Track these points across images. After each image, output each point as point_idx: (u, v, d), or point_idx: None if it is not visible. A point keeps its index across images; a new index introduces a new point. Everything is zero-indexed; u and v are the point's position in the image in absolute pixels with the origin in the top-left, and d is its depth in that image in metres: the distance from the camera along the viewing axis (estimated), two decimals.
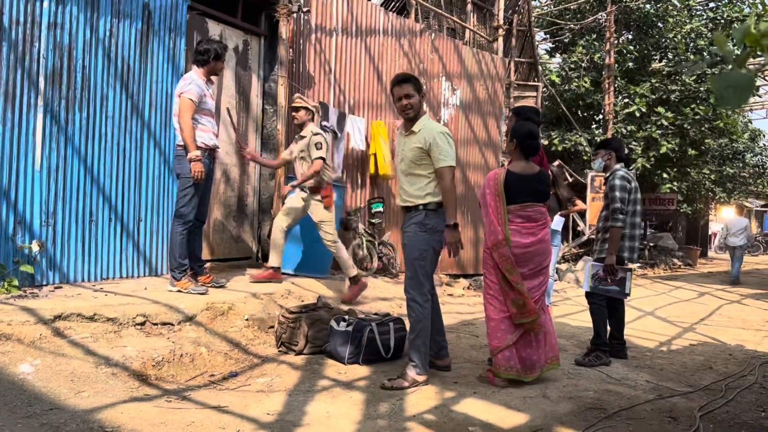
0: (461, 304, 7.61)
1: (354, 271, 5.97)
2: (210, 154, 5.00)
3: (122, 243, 5.35)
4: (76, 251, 4.97)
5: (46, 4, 4.75)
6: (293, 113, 5.89)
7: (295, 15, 6.87)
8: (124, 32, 5.31)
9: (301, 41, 7.29)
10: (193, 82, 4.83)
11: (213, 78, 5.15)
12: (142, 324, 4.22)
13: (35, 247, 4.63)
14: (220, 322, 4.66)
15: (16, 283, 4.40)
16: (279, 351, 4.58)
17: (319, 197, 5.80)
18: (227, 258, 6.78)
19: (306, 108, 5.82)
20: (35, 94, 4.71)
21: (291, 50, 6.88)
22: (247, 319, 4.81)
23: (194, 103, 4.79)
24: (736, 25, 17.04)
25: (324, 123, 7.39)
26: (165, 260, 5.74)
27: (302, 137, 5.82)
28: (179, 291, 4.83)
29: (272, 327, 4.85)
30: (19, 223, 4.62)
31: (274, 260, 5.77)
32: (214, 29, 6.46)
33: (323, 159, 5.68)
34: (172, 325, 4.35)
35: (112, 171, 5.26)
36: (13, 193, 4.57)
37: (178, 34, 5.80)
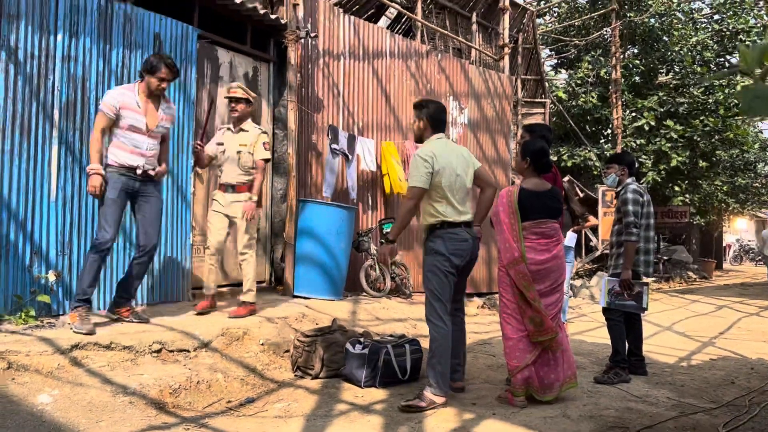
0: (476, 324, 7.56)
1: (204, 290, 5.42)
2: (127, 173, 4.44)
3: None
4: (106, 281, 4.99)
5: (60, 37, 4.84)
6: (233, 104, 5.29)
7: (303, 40, 6.95)
8: (136, 62, 5.39)
9: (310, 66, 7.37)
10: (108, 93, 4.48)
11: (163, 97, 4.64)
12: (159, 351, 4.23)
13: (51, 277, 4.66)
14: (236, 348, 4.65)
15: (33, 313, 4.43)
16: (295, 375, 4.56)
17: (247, 196, 5.24)
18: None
19: (247, 100, 5.31)
20: (50, 126, 4.78)
21: (300, 75, 6.95)
22: (262, 344, 4.80)
23: (105, 114, 4.34)
24: (741, 36, 17.07)
25: (334, 146, 7.43)
26: (180, 286, 5.76)
27: (243, 130, 5.29)
28: (69, 325, 4.24)
29: (288, 351, 4.84)
30: (35, 254, 4.66)
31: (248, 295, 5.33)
32: (224, 57, 6.55)
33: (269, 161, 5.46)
34: (189, 351, 4.35)
35: None
36: (29, 224, 4.62)
37: (188, 63, 5.89)
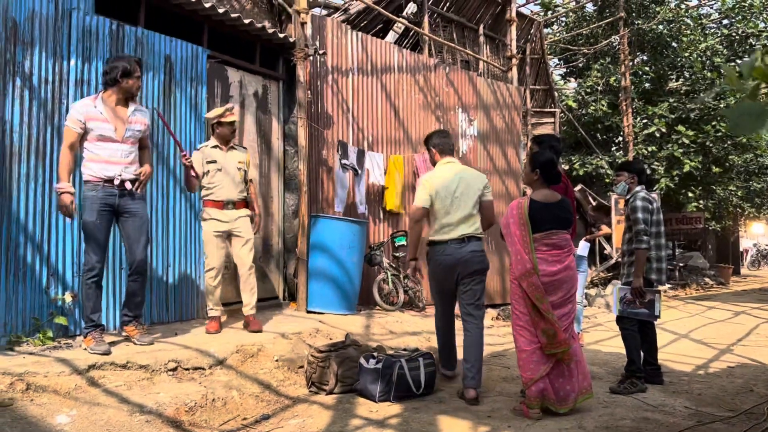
0: (490, 335, 7.53)
1: (211, 311, 5.34)
2: (108, 185, 4.34)
3: (152, 288, 5.43)
4: (108, 300, 5.05)
5: (73, 62, 4.95)
6: (227, 128, 5.26)
7: (311, 58, 7.03)
8: (147, 84, 5.48)
9: (319, 82, 7.45)
10: (72, 107, 4.32)
11: (134, 102, 4.54)
12: (174, 370, 4.26)
13: (68, 299, 4.73)
14: (251, 365, 4.68)
15: (50, 334, 4.49)
16: (310, 391, 4.58)
17: (248, 212, 5.37)
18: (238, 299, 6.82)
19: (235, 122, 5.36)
20: None
21: (309, 92, 7.02)
22: (276, 360, 4.82)
23: (71, 128, 4.22)
24: (751, 40, 16.99)
25: (344, 161, 7.49)
26: (193, 304, 5.81)
27: (233, 148, 5.33)
28: (84, 349, 4.25)
29: (302, 367, 4.85)
30: (52, 276, 4.73)
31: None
32: (234, 76, 6.64)
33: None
34: (204, 369, 4.39)
35: None
36: (46, 247, 4.70)
37: (199, 83, 5.98)
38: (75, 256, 4.87)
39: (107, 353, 4.17)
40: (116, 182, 4.38)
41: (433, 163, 4.77)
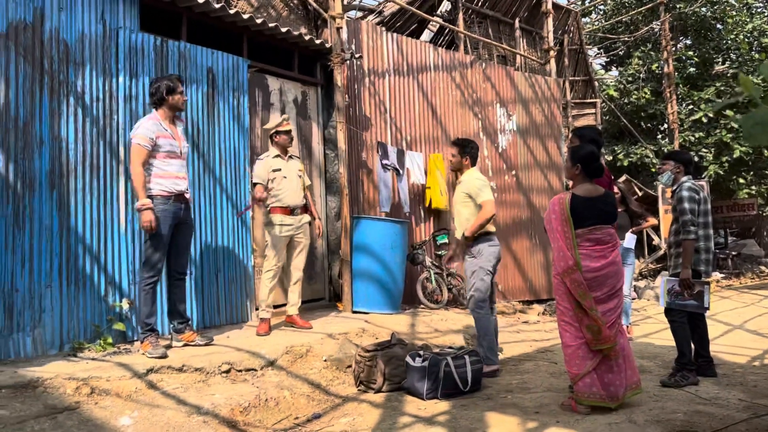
0: (537, 331, 7.50)
1: (263, 313, 5.50)
2: (177, 200, 4.62)
3: (203, 294, 5.62)
4: (162, 305, 5.25)
5: (121, 79, 5.16)
6: (284, 135, 5.58)
7: (348, 62, 7.13)
8: (192, 96, 5.67)
9: (356, 86, 7.54)
10: (140, 126, 4.52)
11: (181, 118, 4.89)
12: (228, 371, 4.41)
13: (125, 305, 4.94)
14: (300, 365, 4.80)
15: (110, 340, 4.71)
16: (358, 390, 4.67)
17: (309, 218, 5.72)
18: (302, 301, 6.96)
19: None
20: (117, 163, 5.08)
21: (347, 95, 7.12)
22: (325, 360, 4.93)
23: (143, 147, 4.45)
24: None
25: (385, 161, 7.56)
26: (243, 308, 5.98)
27: (292, 157, 5.68)
28: (142, 354, 4.41)
29: (350, 366, 4.95)
30: (109, 284, 4.95)
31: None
32: (274, 84, 6.79)
33: None
34: (256, 370, 4.53)
35: None
36: (102, 256, 4.92)
37: (240, 92, 6.14)
38: (130, 264, 5.08)
39: (164, 356, 4.36)
40: (187, 195, 4.74)
41: (458, 168, 5.42)
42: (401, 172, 7.86)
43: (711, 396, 4.18)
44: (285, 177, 5.53)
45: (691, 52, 17.15)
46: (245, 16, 6.11)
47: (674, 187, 4.89)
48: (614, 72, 19.11)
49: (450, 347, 4.95)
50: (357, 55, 7.28)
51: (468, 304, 5.23)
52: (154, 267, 4.56)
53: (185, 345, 4.75)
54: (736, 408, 3.86)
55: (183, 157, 4.75)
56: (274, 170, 5.52)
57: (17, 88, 4.52)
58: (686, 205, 4.66)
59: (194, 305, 5.51)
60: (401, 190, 7.83)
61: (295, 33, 6.67)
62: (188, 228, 4.85)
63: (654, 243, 14.83)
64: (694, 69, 17.10)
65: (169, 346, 4.67)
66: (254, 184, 5.54)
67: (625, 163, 16.17)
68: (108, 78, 5.09)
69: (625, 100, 16.92)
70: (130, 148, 4.53)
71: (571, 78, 13.76)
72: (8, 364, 4.16)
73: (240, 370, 4.47)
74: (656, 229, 13.86)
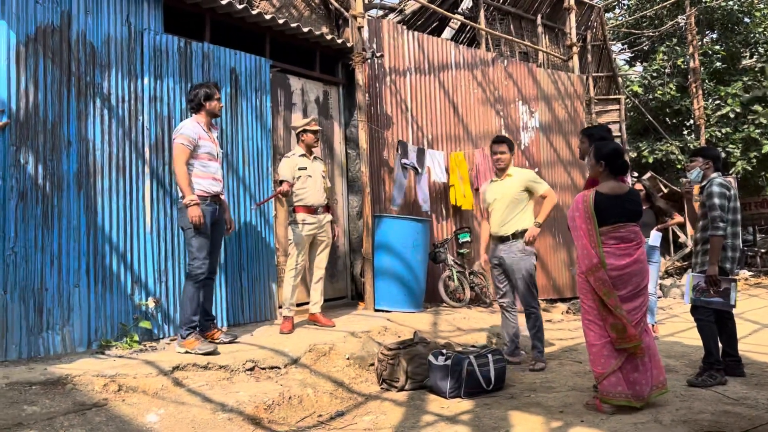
0: (561, 330, 7.44)
1: (287, 311, 5.55)
2: (213, 200, 4.79)
3: (227, 292, 5.67)
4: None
5: (146, 80, 5.23)
6: (312, 135, 5.68)
7: (369, 61, 7.13)
8: None
9: (377, 84, 7.55)
10: (184, 126, 4.70)
11: (214, 122, 5.06)
12: (252, 369, 4.45)
13: (151, 304, 5.02)
14: (323, 363, 4.83)
15: (136, 338, 4.78)
16: (381, 388, 4.68)
17: (330, 218, 5.82)
18: (325, 299, 6.99)
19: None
20: (142, 163, 5.15)
21: (368, 95, 7.13)
22: (348, 358, 4.95)
23: (186, 146, 4.61)
24: None
25: (404, 161, 7.55)
26: (266, 306, 6.03)
27: (317, 158, 5.80)
28: (186, 352, 4.48)
29: (372, 365, 4.96)
30: (135, 282, 5.02)
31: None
32: (296, 84, 6.83)
33: None
34: (279, 368, 4.56)
35: None
36: (128, 255, 5.00)
37: (263, 93, 6.19)
38: (155, 264, 5.15)
39: (215, 353, 4.48)
40: (223, 197, 4.94)
41: (507, 164, 5.47)
42: (420, 171, 7.83)
43: (739, 396, 4.11)
44: (310, 176, 5.60)
45: (717, 47, 16.84)
46: (267, 17, 6.15)
47: (704, 183, 4.82)
48: (638, 68, 18.85)
49: (473, 346, 4.94)
50: (378, 54, 7.28)
51: (530, 299, 5.32)
52: (203, 264, 4.65)
53: (211, 342, 4.75)
54: (765, 408, 3.79)
55: (219, 160, 4.91)
56: (300, 168, 5.59)
57: (46, 90, 4.61)
58: (716, 201, 4.58)
59: (218, 303, 5.57)
60: (420, 189, 7.80)
61: (317, 32, 6.69)
62: (220, 228, 4.95)
63: (680, 241, 14.61)
64: (720, 63, 16.78)
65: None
66: (280, 182, 5.60)
67: (650, 160, 15.93)
68: (133, 79, 5.16)
69: (650, 96, 16.67)
70: (173, 147, 4.68)
71: (594, 74, 13.60)
72: (38, 361, 4.25)
73: (264, 368, 4.51)
74: (682, 226, 13.65)
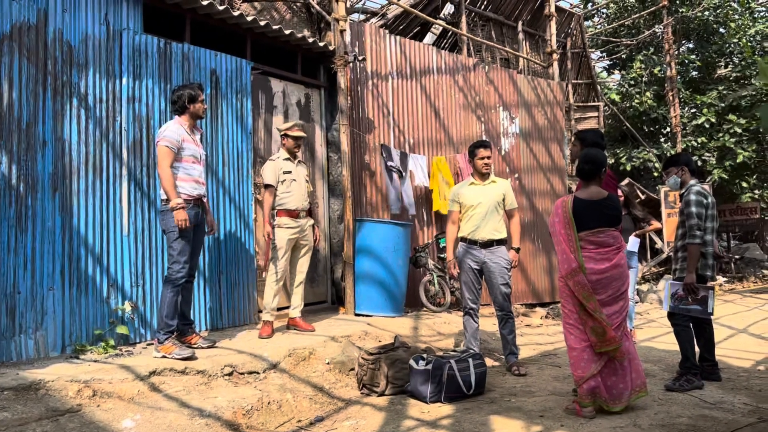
0: (540, 335, 7.47)
1: (267, 316, 5.50)
2: (195, 203, 4.72)
3: (206, 296, 5.60)
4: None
5: (125, 81, 5.15)
6: (292, 140, 5.62)
7: (351, 64, 7.11)
8: None
9: (359, 88, 7.53)
10: (168, 129, 4.62)
11: (199, 126, 5.01)
12: (230, 374, 4.39)
13: (128, 308, 4.93)
14: (303, 368, 4.78)
15: (112, 342, 4.69)
16: (361, 393, 4.65)
17: (312, 222, 5.80)
18: (305, 303, 6.94)
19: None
20: (120, 165, 5.07)
21: (350, 98, 7.11)
22: (328, 363, 4.91)
23: (170, 149, 4.54)
24: None
25: (390, 163, 7.55)
26: (245, 310, 5.96)
27: (301, 162, 5.77)
28: (163, 356, 4.38)
29: (353, 369, 4.93)
30: (112, 286, 4.93)
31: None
32: (277, 86, 6.78)
33: None
34: (258, 373, 4.51)
35: None
36: (105, 259, 4.91)
37: (244, 94, 6.14)
38: (132, 267, 5.06)
39: (193, 357, 4.40)
40: (205, 200, 4.86)
41: (489, 172, 5.54)
42: (404, 174, 7.84)
43: (716, 400, 4.16)
44: (294, 180, 5.58)
45: (693, 56, 17.11)
46: (249, 18, 6.10)
47: (683, 191, 4.87)
48: (617, 75, 19.09)
49: (453, 350, 4.93)
50: (360, 58, 7.26)
51: (509, 305, 5.36)
52: (183, 267, 4.58)
53: (188, 347, 4.68)
54: (742, 412, 3.84)
55: (202, 163, 4.85)
56: (284, 172, 5.56)
57: (20, 89, 4.52)
58: (693, 209, 4.64)
59: (197, 308, 5.49)
60: (405, 193, 7.81)
61: (299, 35, 6.66)
62: (201, 231, 4.90)
63: (657, 247, 14.78)
64: (696, 73, 17.07)
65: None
66: (266, 186, 5.54)
67: (628, 167, 16.13)
68: (111, 80, 5.08)
69: (628, 104, 16.88)
70: (157, 150, 4.58)
71: (573, 81, 13.75)
72: (10, 366, 4.15)
73: (243, 373, 4.45)
74: (659, 233, 13.82)
